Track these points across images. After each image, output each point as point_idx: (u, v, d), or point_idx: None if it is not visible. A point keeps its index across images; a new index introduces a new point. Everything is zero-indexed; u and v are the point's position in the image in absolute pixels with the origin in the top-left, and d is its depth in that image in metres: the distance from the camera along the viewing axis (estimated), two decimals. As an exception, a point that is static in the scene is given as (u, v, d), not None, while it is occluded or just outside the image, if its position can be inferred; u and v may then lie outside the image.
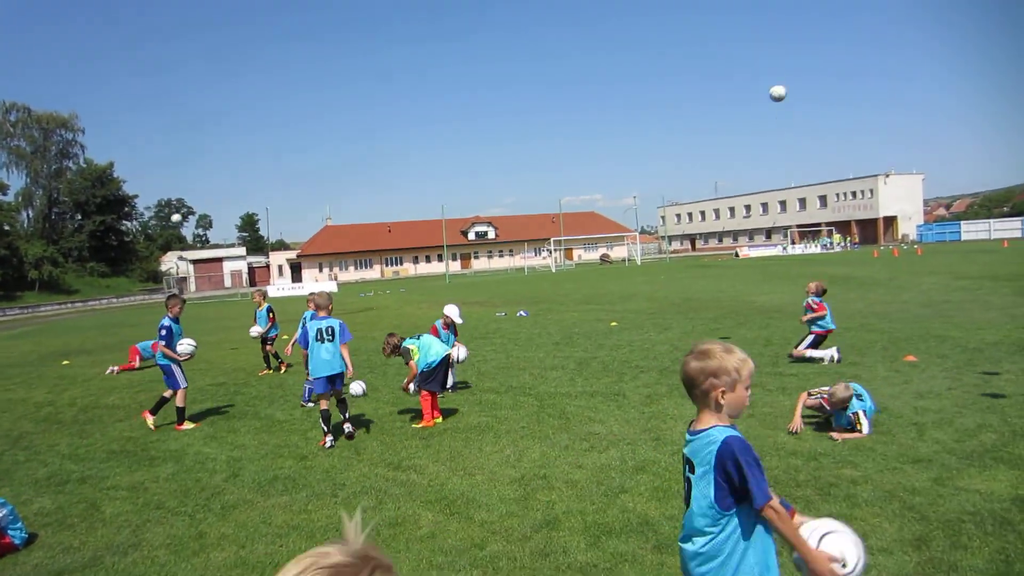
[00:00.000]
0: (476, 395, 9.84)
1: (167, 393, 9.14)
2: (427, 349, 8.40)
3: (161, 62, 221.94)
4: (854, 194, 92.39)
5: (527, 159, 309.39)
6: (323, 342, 7.78)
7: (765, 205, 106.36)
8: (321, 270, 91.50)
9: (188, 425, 8.99)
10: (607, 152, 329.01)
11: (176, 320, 9.20)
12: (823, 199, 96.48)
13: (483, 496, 5.80)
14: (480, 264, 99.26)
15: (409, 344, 8.50)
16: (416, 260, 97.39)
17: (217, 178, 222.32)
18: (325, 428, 7.64)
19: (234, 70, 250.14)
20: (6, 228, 69.19)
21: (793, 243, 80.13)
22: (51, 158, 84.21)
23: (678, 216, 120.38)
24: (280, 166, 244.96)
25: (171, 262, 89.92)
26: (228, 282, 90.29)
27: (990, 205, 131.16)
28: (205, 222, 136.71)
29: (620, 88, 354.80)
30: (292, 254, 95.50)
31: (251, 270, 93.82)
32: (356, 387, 8.82)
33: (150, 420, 9.11)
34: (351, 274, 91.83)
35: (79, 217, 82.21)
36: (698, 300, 23.00)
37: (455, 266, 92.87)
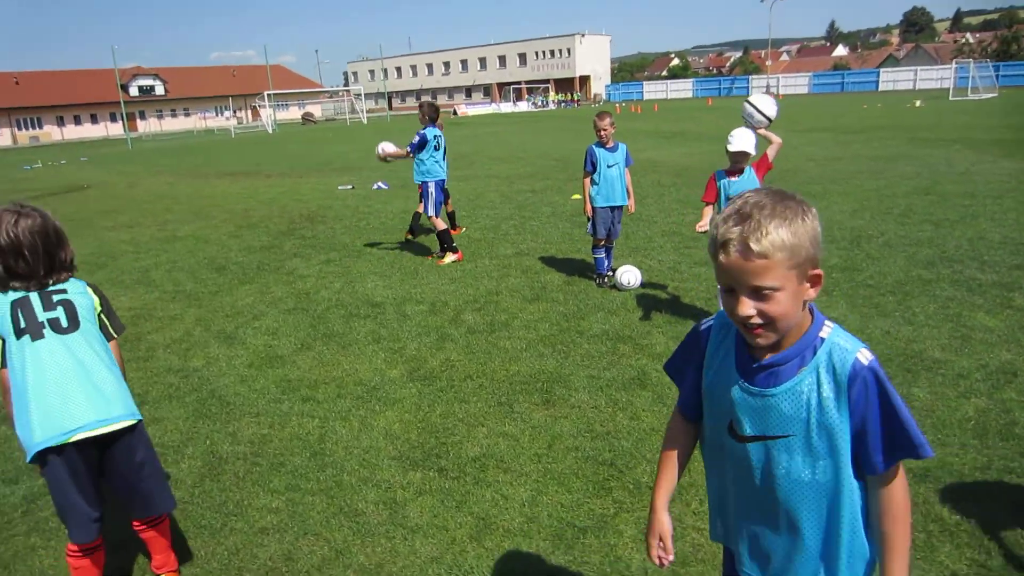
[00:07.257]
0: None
1: None
2: None
3: None
4: (552, 53, 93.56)
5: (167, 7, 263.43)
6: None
7: (465, 62, 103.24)
8: (-87, 136, 66.63)
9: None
10: (257, 7, 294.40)
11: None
12: (523, 57, 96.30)
13: None
14: (150, 126, 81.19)
15: None
16: (62, 122, 76.02)
17: None
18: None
19: None
20: None
21: (516, 100, 78.57)
22: None
23: (371, 73, 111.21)
24: None
25: None
26: None
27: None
28: None
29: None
30: None
31: None
32: None
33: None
34: (-36, 141, 68.48)
35: None
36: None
37: (116, 128, 74.46)
